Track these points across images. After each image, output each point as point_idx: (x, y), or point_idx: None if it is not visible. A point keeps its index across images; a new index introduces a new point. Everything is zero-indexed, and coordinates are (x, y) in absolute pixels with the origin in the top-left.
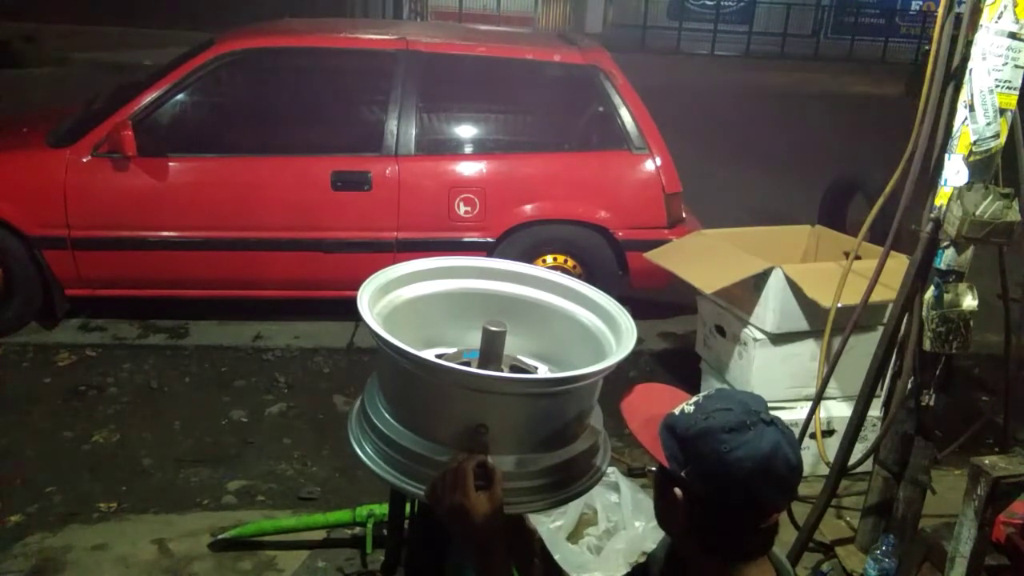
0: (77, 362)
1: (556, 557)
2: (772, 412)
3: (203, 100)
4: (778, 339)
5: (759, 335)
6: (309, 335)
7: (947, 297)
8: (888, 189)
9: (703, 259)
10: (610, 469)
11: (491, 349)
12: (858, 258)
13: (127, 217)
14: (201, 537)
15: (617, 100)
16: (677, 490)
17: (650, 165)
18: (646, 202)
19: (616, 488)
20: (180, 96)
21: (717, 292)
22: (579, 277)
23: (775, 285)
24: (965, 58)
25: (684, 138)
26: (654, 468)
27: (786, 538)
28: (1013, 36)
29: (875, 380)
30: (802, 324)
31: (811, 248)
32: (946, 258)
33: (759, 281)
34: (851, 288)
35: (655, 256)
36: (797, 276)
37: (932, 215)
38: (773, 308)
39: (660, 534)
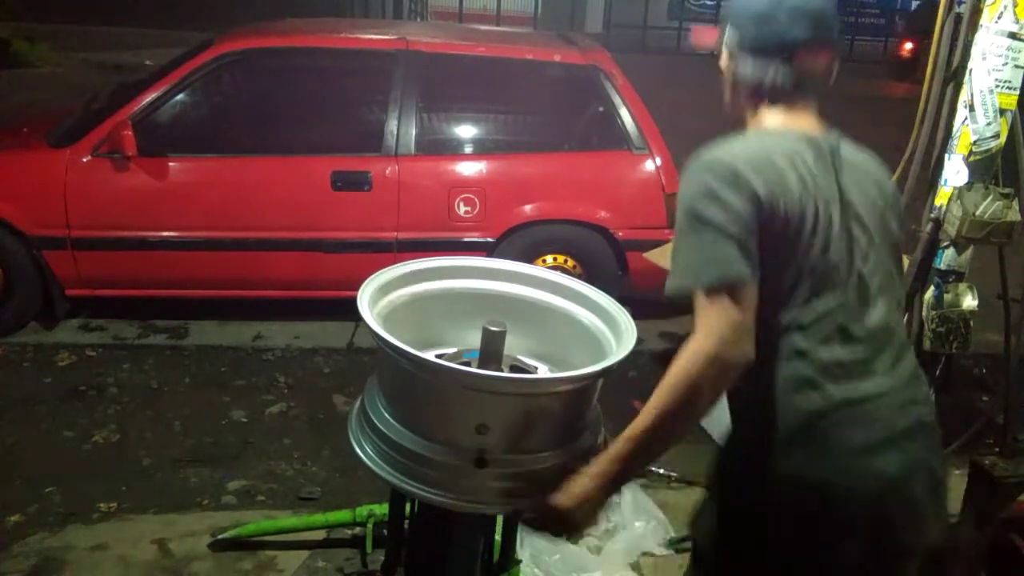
0: (77, 362)
1: (555, 558)
2: None
3: (203, 100)
4: None
5: None
6: (309, 335)
7: (947, 297)
8: None
9: None
10: None
11: (491, 349)
12: None
13: (127, 217)
14: (201, 537)
15: (617, 100)
16: (724, 54)
17: (650, 165)
18: (646, 202)
19: None
20: (180, 96)
21: None
22: (579, 277)
23: None
24: (965, 58)
25: (684, 138)
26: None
27: None
28: (1013, 36)
29: None
30: None
31: None
32: (946, 258)
33: None
34: None
35: (654, 256)
36: None
37: (932, 215)
38: None
39: (659, 534)
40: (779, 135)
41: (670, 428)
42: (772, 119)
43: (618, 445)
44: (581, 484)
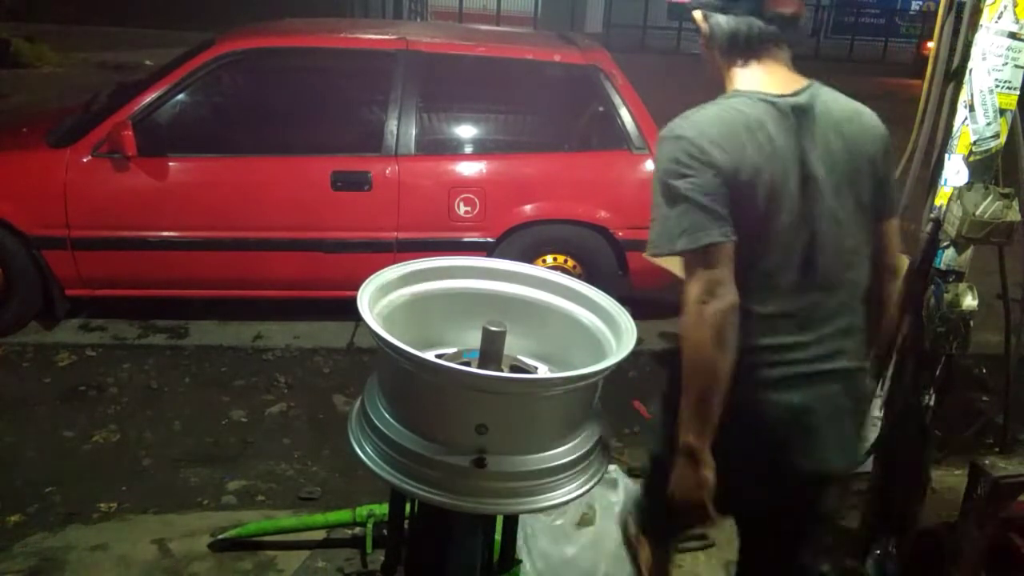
0: (77, 362)
1: (568, 552)
2: None
3: (203, 100)
4: None
5: None
6: (309, 335)
7: (947, 297)
8: None
9: None
10: (611, 467)
11: (491, 349)
12: None
13: (127, 217)
14: (201, 537)
15: (617, 100)
16: (698, 15)
17: (650, 165)
18: (646, 202)
19: (615, 486)
20: (180, 96)
21: None
22: (579, 277)
23: None
24: (965, 58)
25: None
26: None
27: None
28: (1013, 36)
29: (875, 380)
30: None
31: None
32: (946, 258)
33: None
34: None
35: (658, 259)
36: None
37: (932, 215)
38: None
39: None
40: (745, 103)
41: (703, 380)
42: (745, 79)
43: (681, 418)
44: (674, 470)
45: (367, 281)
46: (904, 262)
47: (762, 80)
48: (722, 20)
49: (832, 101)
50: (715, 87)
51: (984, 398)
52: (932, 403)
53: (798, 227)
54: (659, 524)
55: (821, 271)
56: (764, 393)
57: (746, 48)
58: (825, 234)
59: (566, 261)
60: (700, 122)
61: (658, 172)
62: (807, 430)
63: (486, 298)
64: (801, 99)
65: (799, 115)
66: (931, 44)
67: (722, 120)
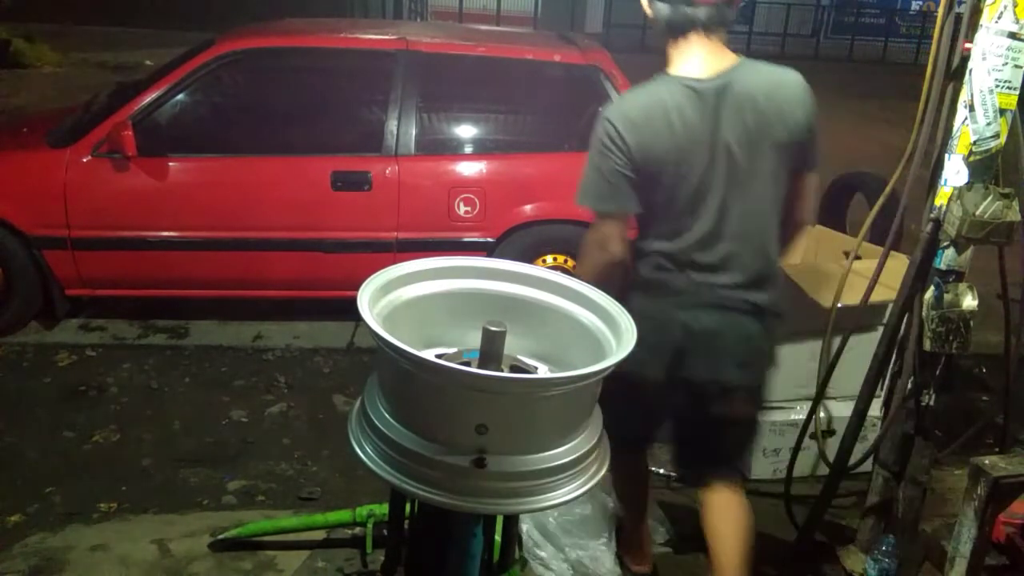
0: (77, 362)
1: (574, 555)
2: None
3: (203, 100)
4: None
5: None
6: (309, 335)
7: (947, 297)
8: (888, 189)
9: None
10: None
11: (491, 349)
12: (858, 258)
13: (127, 217)
14: (201, 537)
15: None
16: (644, 1)
17: None
18: None
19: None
20: (180, 96)
21: None
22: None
23: None
24: (965, 58)
25: None
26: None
27: (786, 538)
28: (1013, 36)
29: (875, 380)
30: (800, 324)
31: (811, 248)
32: (946, 258)
33: None
34: (851, 288)
35: None
36: (796, 276)
37: (932, 215)
38: None
39: (659, 533)
40: (669, 90)
41: (587, 280)
42: (678, 62)
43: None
44: None
45: (367, 281)
46: (808, 219)
47: (691, 63)
48: (660, 6)
49: (752, 77)
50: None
51: (984, 398)
52: (932, 403)
53: (710, 192)
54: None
55: (732, 227)
56: (686, 315)
57: (679, 32)
58: (736, 196)
59: (566, 261)
60: (626, 108)
61: (591, 143)
62: (703, 347)
63: (486, 298)
64: (720, 81)
65: (718, 95)
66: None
67: (644, 106)
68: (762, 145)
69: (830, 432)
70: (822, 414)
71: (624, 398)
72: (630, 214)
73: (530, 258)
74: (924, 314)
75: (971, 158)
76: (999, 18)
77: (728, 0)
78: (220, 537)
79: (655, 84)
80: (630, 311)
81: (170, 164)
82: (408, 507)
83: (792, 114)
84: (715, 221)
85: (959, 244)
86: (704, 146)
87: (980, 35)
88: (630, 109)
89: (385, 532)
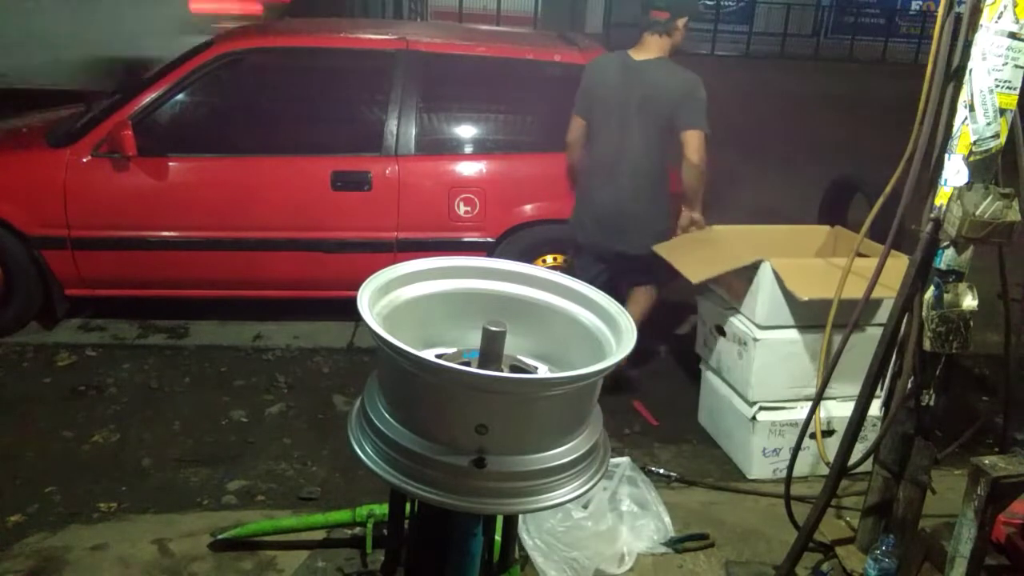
0: (77, 362)
1: (575, 554)
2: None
3: (203, 100)
4: (777, 338)
5: (759, 335)
6: (309, 335)
7: (947, 297)
8: (888, 189)
9: (701, 251)
10: (621, 460)
11: (491, 349)
12: (863, 256)
13: (127, 217)
14: (201, 537)
15: None
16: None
17: None
18: None
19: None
20: (180, 96)
21: (707, 281)
22: None
23: (764, 278)
24: (965, 58)
25: None
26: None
27: (786, 538)
28: (1013, 36)
29: (875, 380)
30: (793, 319)
31: (827, 248)
32: (946, 258)
33: (753, 275)
34: (850, 287)
35: (660, 249)
36: (782, 269)
37: (932, 215)
38: (761, 301)
39: (660, 533)
40: (619, 56)
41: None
42: (636, 46)
43: None
44: None
45: (367, 281)
46: (694, 157)
47: (637, 48)
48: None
49: (656, 68)
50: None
51: (984, 398)
52: (932, 403)
53: (612, 127)
54: None
55: (619, 153)
56: (580, 198)
57: (641, 30)
58: (625, 134)
59: (566, 261)
60: (594, 61)
61: None
62: (596, 222)
63: (486, 298)
64: (639, 62)
65: (635, 69)
66: None
67: (599, 62)
68: (648, 106)
69: (830, 432)
70: (822, 414)
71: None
72: (579, 118)
73: (530, 258)
74: (924, 314)
75: (971, 158)
76: (999, 18)
77: (661, 18)
78: (220, 537)
79: (618, 52)
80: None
81: (170, 164)
82: (408, 507)
83: (674, 94)
84: (616, 147)
85: (959, 244)
86: (616, 96)
87: (980, 35)
88: (594, 61)
89: (385, 532)
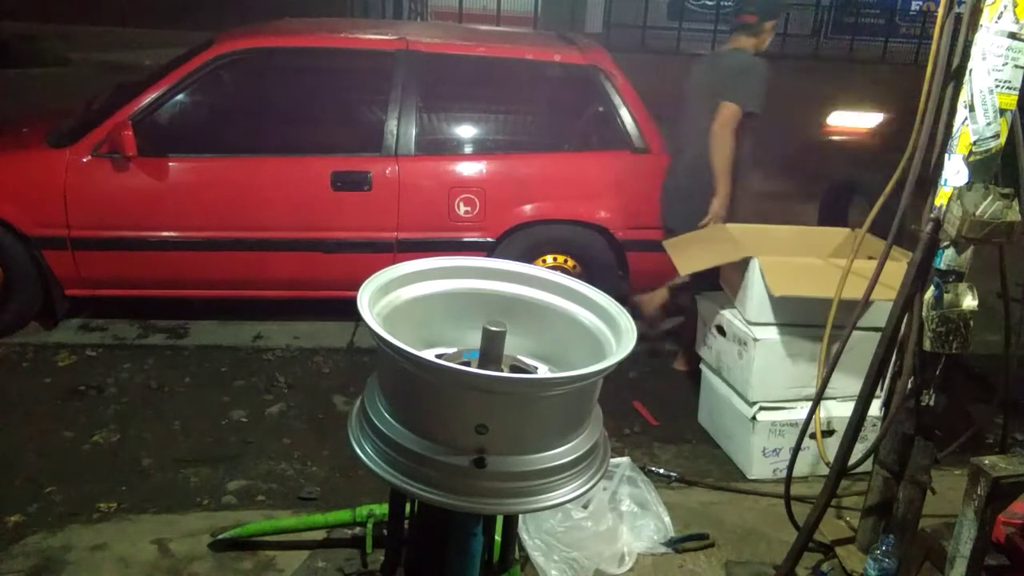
0: (77, 362)
1: (575, 554)
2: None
3: (203, 100)
4: (776, 338)
5: (759, 334)
6: (309, 335)
7: (947, 297)
8: (888, 189)
9: (700, 247)
10: (621, 460)
11: (491, 349)
12: (872, 259)
13: (127, 217)
14: (201, 537)
15: (617, 100)
16: None
17: (650, 165)
18: (646, 202)
19: (610, 486)
20: (180, 96)
21: (711, 279)
22: (579, 277)
23: (753, 275)
24: (965, 58)
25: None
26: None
27: (786, 538)
28: (1013, 36)
29: (875, 380)
30: (786, 317)
31: (842, 251)
32: (946, 258)
33: (746, 272)
34: (850, 287)
35: (668, 244)
36: (767, 266)
37: (932, 215)
38: (751, 297)
39: (660, 533)
40: (713, 52)
41: None
42: (727, 43)
43: None
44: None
45: (367, 281)
46: (714, 126)
47: (726, 44)
48: None
49: (728, 55)
50: None
51: (984, 398)
52: (932, 403)
53: (689, 112)
54: None
55: (690, 133)
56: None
57: (731, 30)
58: (694, 116)
59: (566, 261)
60: (696, 60)
61: None
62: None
63: (486, 298)
64: (718, 53)
65: (714, 58)
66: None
67: (699, 59)
68: (704, 81)
69: (830, 432)
70: (822, 414)
71: None
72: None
73: (530, 258)
74: (924, 314)
75: (971, 158)
76: (999, 18)
77: (750, 21)
78: (220, 537)
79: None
80: None
81: (170, 164)
82: (408, 507)
83: (720, 70)
84: (687, 126)
85: (959, 244)
86: (696, 82)
87: (980, 35)
88: (696, 60)
89: (385, 532)
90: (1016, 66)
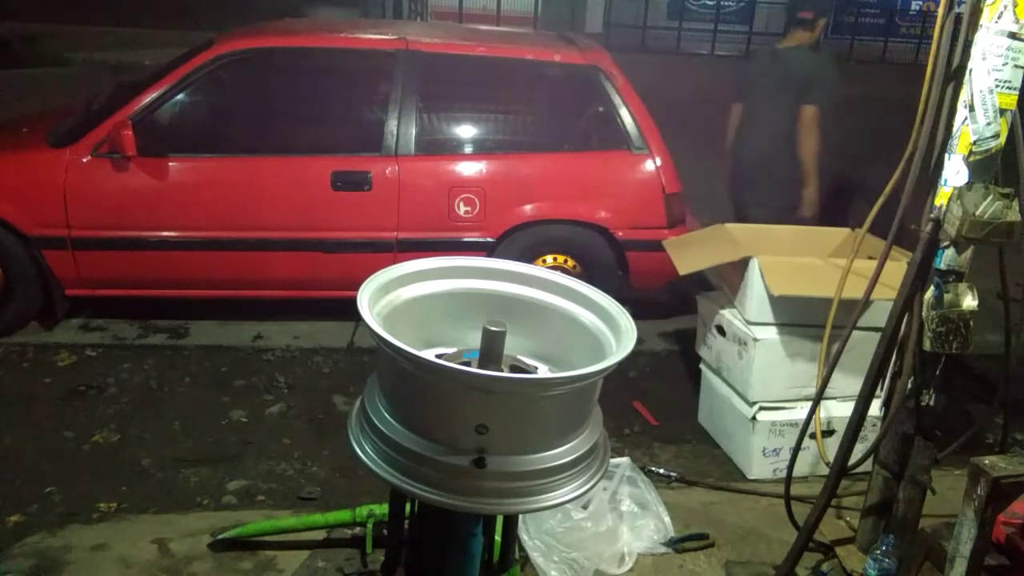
0: (77, 362)
1: (575, 554)
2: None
3: (203, 100)
4: (776, 338)
5: (759, 334)
6: (309, 335)
7: (947, 297)
8: (888, 189)
9: (700, 247)
10: (621, 460)
11: (491, 349)
12: (872, 259)
13: (127, 217)
14: (201, 537)
15: (617, 100)
16: None
17: (650, 165)
18: (646, 202)
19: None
20: (180, 96)
21: (712, 279)
22: (579, 277)
23: (752, 274)
24: (965, 58)
25: (684, 138)
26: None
27: (786, 538)
28: (1013, 36)
29: (875, 380)
30: (785, 317)
31: (842, 251)
32: (946, 258)
33: (746, 272)
34: (850, 287)
35: (668, 243)
36: (766, 266)
37: (932, 215)
38: (751, 297)
39: (660, 533)
40: (769, 47)
41: None
42: (784, 38)
43: None
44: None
45: (367, 281)
46: (802, 130)
47: (783, 40)
48: None
49: (793, 53)
50: None
51: (984, 398)
52: (932, 403)
53: (758, 100)
54: None
55: (760, 121)
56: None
57: (788, 26)
58: (764, 107)
59: (566, 261)
60: (752, 53)
61: None
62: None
63: (486, 298)
64: (781, 49)
65: (778, 55)
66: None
67: (756, 53)
68: (770, 71)
69: (830, 432)
70: (822, 414)
71: None
72: (737, 105)
73: (530, 258)
74: (924, 314)
75: (971, 158)
76: (999, 18)
77: (807, 16)
78: (220, 537)
79: (768, 45)
80: None
81: (170, 164)
82: (408, 507)
83: (784, 62)
84: (755, 115)
85: (959, 244)
86: (762, 74)
87: (980, 35)
88: (752, 53)
89: (385, 532)
90: (1016, 66)
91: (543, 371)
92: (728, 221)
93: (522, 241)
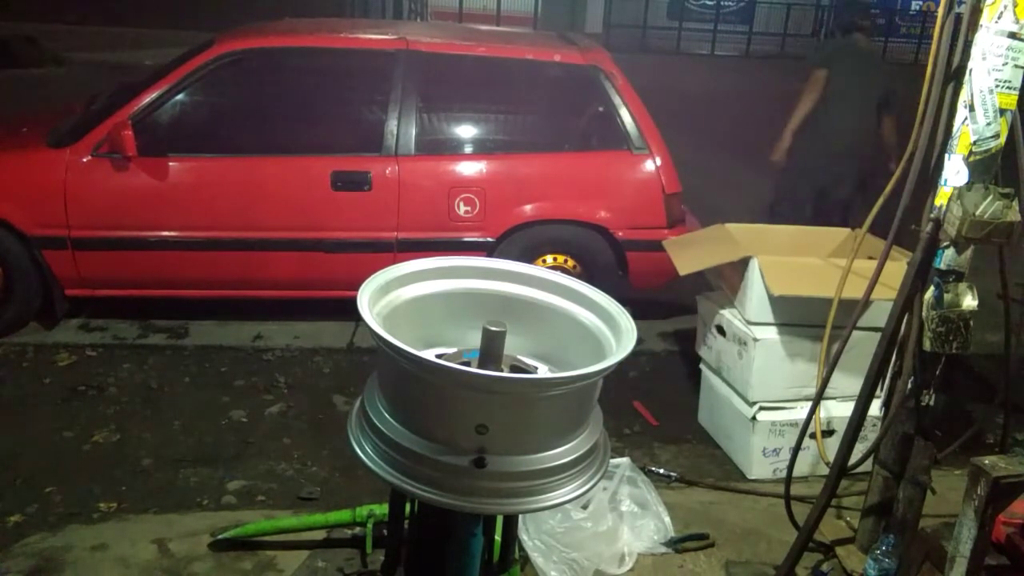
0: (77, 362)
1: (575, 554)
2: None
3: (203, 100)
4: (776, 338)
5: (759, 334)
6: (309, 335)
7: (947, 297)
8: (888, 189)
9: (700, 247)
10: (621, 460)
11: (491, 349)
12: (872, 259)
13: (127, 217)
14: (201, 537)
15: (617, 100)
16: None
17: (650, 165)
18: (646, 202)
19: (617, 485)
20: (180, 96)
21: (710, 279)
22: (579, 277)
23: (752, 274)
24: (965, 58)
25: (684, 138)
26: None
27: (786, 538)
28: (1013, 36)
29: (875, 380)
30: (785, 317)
31: (842, 251)
32: (946, 258)
33: (746, 271)
34: (850, 287)
35: (668, 243)
36: (766, 266)
37: (932, 215)
38: (751, 297)
39: (660, 533)
40: (849, 43)
41: None
42: (850, 35)
43: None
44: None
45: (367, 281)
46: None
47: (856, 42)
48: None
49: (877, 61)
50: None
51: (984, 398)
52: (932, 403)
53: (853, 90)
54: None
55: (856, 111)
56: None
57: (850, 29)
58: (859, 99)
59: (566, 261)
60: (828, 43)
61: None
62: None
63: (486, 298)
64: (867, 51)
65: (868, 53)
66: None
67: (834, 44)
68: (861, 69)
69: (830, 432)
70: (822, 414)
71: None
72: (820, 69)
73: (530, 258)
74: (924, 314)
75: (971, 158)
76: (999, 18)
77: (855, 22)
78: (220, 537)
79: (845, 40)
80: None
81: (170, 164)
82: (408, 507)
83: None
84: (850, 107)
85: (959, 244)
86: (855, 71)
87: (980, 35)
88: (829, 43)
89: (385, 532)
90: (1016, 66)
91: (543, 371)
92: (728, 221)
93: (522, 241)
